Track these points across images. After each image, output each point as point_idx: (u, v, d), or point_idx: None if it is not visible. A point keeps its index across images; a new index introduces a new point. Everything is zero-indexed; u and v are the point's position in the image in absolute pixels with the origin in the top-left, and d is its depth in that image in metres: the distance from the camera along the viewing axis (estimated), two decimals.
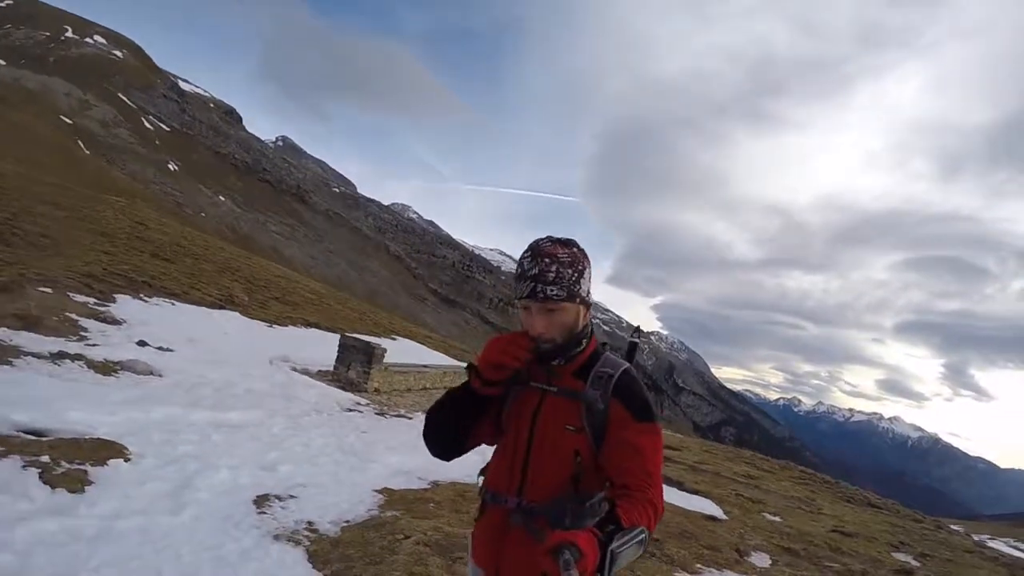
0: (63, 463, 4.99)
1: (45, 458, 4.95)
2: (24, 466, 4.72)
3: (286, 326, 20.92)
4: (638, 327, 2.65)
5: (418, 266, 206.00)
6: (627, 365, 2.06)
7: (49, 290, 12.47)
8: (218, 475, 5.97)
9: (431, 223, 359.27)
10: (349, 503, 6.28)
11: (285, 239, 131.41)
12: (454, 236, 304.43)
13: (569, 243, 2.03)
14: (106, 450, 5.58)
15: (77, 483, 4.78)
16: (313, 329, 22.48)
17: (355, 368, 14.79)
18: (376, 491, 6.90)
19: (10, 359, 7.71)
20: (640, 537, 1.71)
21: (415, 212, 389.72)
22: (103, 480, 5.01)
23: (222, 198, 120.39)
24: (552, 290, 1.93)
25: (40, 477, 4.65)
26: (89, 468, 5.09)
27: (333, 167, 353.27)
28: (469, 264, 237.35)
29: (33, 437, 5.34)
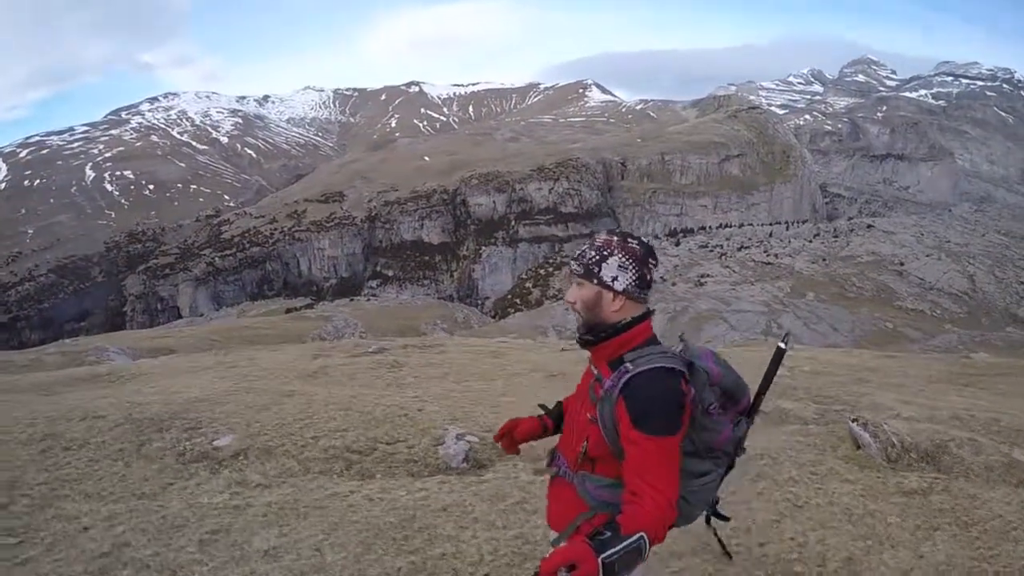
0: None
1: None
2: None
3: None
4: (788, 332, 2.85)
5: None
6: (656, 364, 2.09)
7: None
8: None
9: None
10: None
11: None
12: None
13: (621, 235, 2.27)
14: None
15: None
16: None
17: None
18: None
19: None
20: (637, 544, 1.84)
21: None
22: None
23: None
24: (574, 265, 2.27)
25: None
26: None
27: None
28: None
29: None
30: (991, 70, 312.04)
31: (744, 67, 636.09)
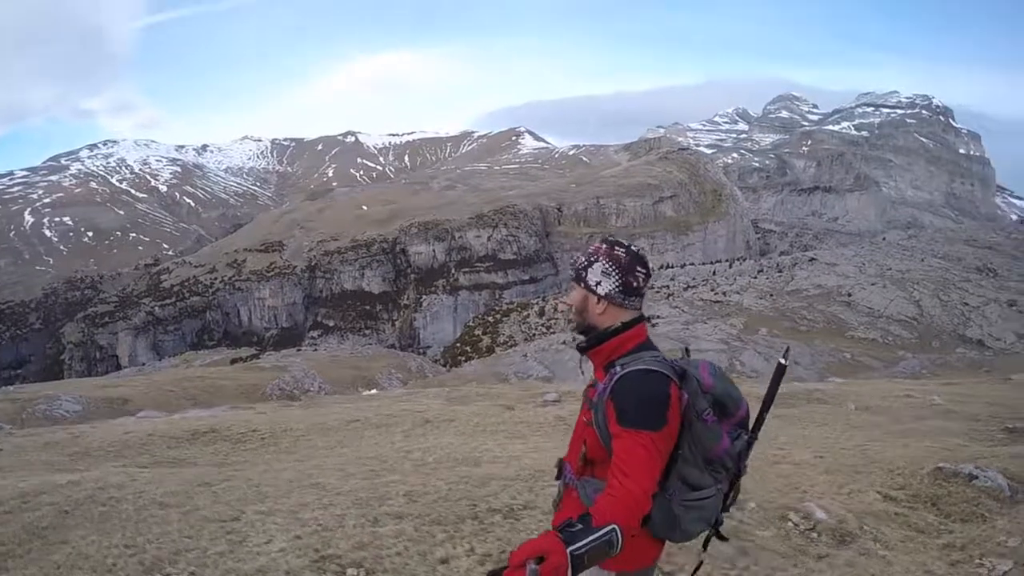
0: None
1: None
2: None
3: None
4: (788, 347, 2.93)
5: None
6: (642, 366, 2.21)
7: None
8: None
9: None
10: None
11: None
12: None
13: (610, 243, 2.45)
14: None
15: None
16: None
17: None
18: None
19: None
20: (608, 537, 1.86)
21: None
22: None
23: None
24: (570, 270, 2.48)
25: None
26: None
27: None
28: None
29: None
30: (910, 98, 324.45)
31: (669, 109, 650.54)
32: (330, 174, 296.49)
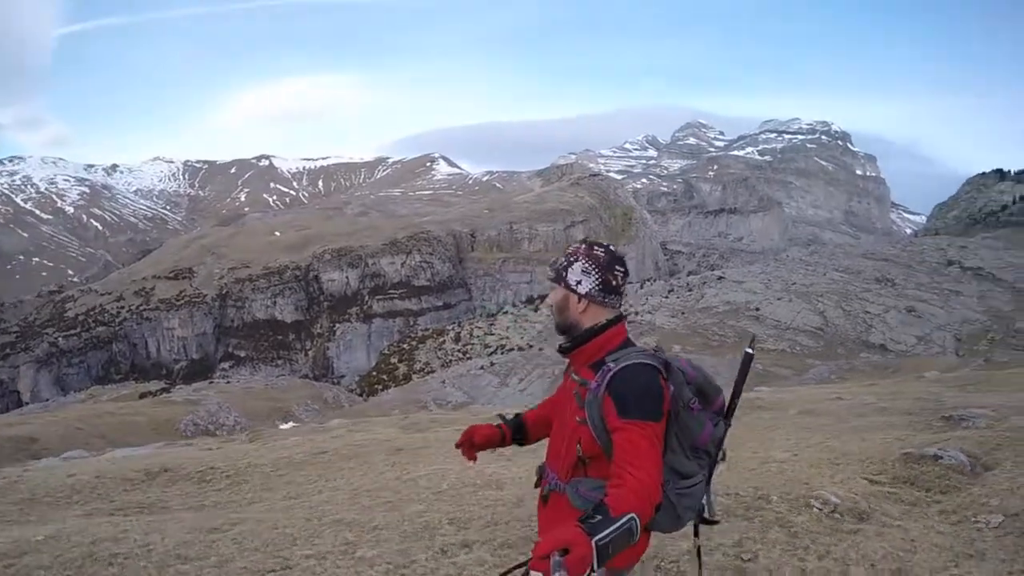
0: None
1: None
2: None
3: None
4: (754, 336, 3.04)
5: None
6: (635, 360, 2.26)
7: None
8: None
9: None
10: None
11: None
12: None
13: (588, 244, 2.49)
14: None
15: None
16: None
17: None
18: None
19: None
20: (628, 525, 1.87)
21: None
22: None
23: None
24: (548, 271, 2.51)
25: None
26: None
27: None
28: None
29: None
30: (810, 124, 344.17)
31: (581, 136, 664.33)
32: (243, 198, 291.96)
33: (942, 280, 76.12)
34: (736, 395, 2.52)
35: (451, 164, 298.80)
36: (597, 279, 2.39)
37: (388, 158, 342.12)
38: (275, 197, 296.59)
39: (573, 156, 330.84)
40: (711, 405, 2.46)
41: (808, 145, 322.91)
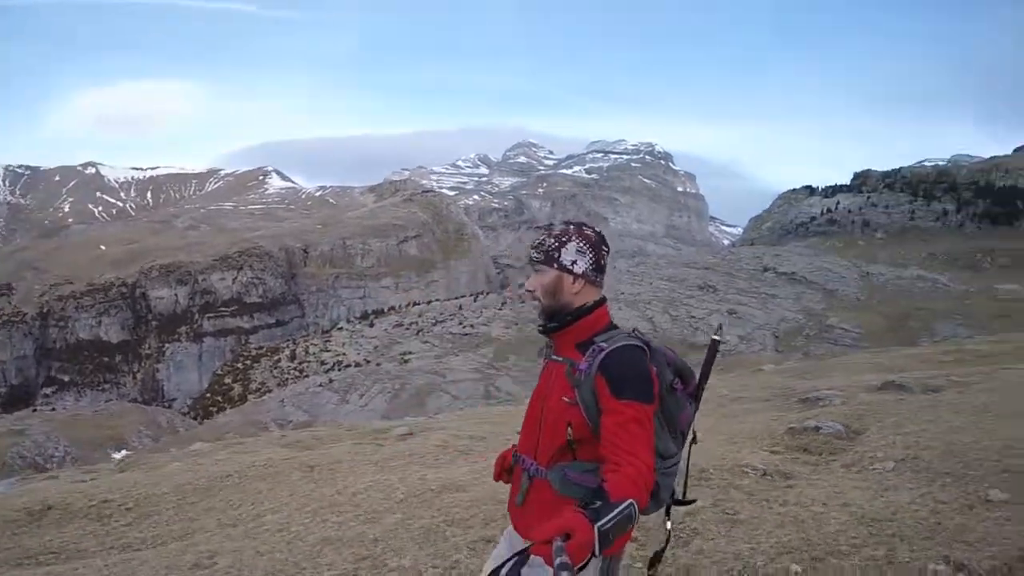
0: None
1: None
2: None
3: None
4: (720, 324, 3.01)
5: None
6: (626, 342, 2.20)
7: None
8: None
9: None
10: None
11: None
12: None
13: (577, 224, 2.38)
14: None
15: None
16: None
17: None
18: None
19: None
20: (627, 511, 1.82)
21: None
22: None
23: None
24: (534, 254, 2.34)
25: None
26: None
27: None
28: None
29: None
30: (635, 145, 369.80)
31: (415, 152, 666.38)
32: (67, 209, 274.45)
33: (759, 284, 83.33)
34: (704, 379, 2.49)
35: (284, 178, 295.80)
36: (592, 258, 2.32)
37: (221, 170, 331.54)
38: (101, 208, 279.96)
39: (407, 172, 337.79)
40: (687, 386, 2.44)
41: (633, 164, 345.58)
